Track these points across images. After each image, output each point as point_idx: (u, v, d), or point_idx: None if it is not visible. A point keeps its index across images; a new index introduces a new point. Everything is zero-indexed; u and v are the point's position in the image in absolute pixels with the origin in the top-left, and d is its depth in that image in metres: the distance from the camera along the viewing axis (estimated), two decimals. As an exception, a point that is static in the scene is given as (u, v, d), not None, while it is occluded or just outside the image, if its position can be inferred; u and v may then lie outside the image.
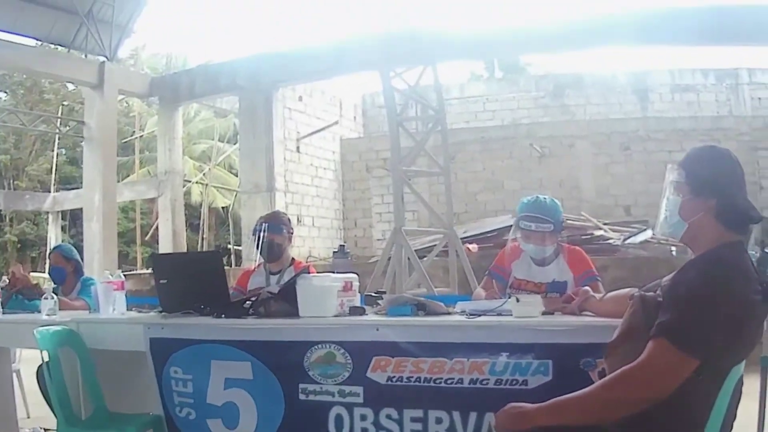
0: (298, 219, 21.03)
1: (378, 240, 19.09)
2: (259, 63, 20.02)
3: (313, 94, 22.89)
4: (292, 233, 7.28)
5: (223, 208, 29.21)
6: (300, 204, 21.50)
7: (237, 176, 26.86)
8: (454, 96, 25.43)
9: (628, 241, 16.68)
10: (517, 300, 4.71)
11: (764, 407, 6.11)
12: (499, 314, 4.75)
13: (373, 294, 5.66)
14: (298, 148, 21.64)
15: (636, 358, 3.09)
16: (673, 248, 15.01)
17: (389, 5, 14.40)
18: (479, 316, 4.75)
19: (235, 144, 24.80)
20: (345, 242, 22.81)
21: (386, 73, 14.05)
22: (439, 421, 4.51)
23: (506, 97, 25.46)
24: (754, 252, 6.14)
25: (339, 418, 4.72)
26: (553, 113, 24.84)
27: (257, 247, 7.13)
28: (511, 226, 6.27)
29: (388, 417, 4.62)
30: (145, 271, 23.82)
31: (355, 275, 5.32)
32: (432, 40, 14.56)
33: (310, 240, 21.57)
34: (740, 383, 3.32)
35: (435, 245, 14.79)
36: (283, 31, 76.14)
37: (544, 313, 4.75)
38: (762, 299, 3.20)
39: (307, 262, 14.65)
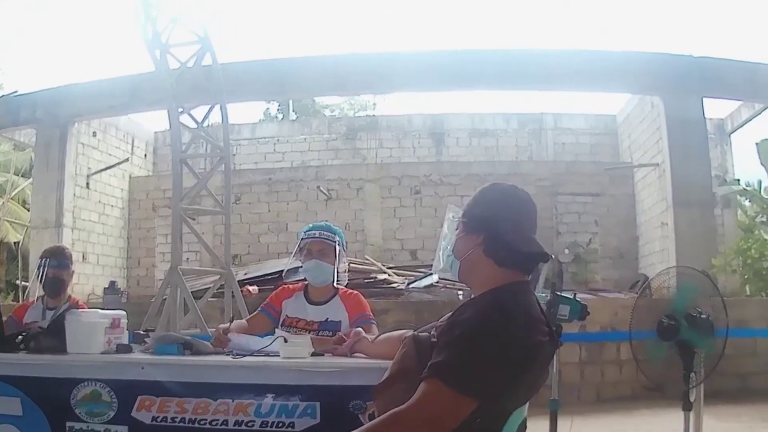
0: (83, 256, 20.47)
1: (160, 280, 18.85)
2: (58, 96, 19.54)
3: (107, 129, 22.43)
4: (73, 270, 7.23)
5: (15, 243, 28.39)
6: (86, 241, 20.98)
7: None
8: (245, 136, 25.34)
9: (413, 285, 16.68)
10: (285, 340, 4.70)
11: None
12: (267, 355, 4.73)
13: (142, 332, 5.59)
14: (87, 184, 21.19)
15: (407, 400, 2.90)
16: (460, 292, 14.91)
17: (185, 43, 14.21)
18: (245, 356, 4.72)
19: (30, 178, 24.19)
20: (127, 281, 22.64)
21: (174, 109, 13.97)
22: (203, 463, 4.41)
23: (297, 139, 25.34)
24: (544, 294, 6.31)
25: (105, 458, 4.56)
26: (344, 156, 24.84)
27: (40, 281, 7.04)
28: (291, 270, 6.29)
29: (154, 458, 4.45)
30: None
31: (123, 312, 5.22)
32: (224, 79, 14.48)
33: (94, 278, 21.01)
34: (524, 426, 3.26)
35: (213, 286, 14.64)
36: (84, 64, 74.69)
37: (313, 354, 4.71)
38: (549, 341, 3.15)
39: (88, 299, 14.37)
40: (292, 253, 6.04)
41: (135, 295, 21.15)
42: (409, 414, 2.88)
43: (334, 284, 5.88)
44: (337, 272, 5.92)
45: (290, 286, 6.11)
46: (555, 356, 6.56)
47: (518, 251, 3.26)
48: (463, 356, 2.91)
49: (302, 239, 5.96)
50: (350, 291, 6.07)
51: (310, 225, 6.09)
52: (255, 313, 6.10)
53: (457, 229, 3.46)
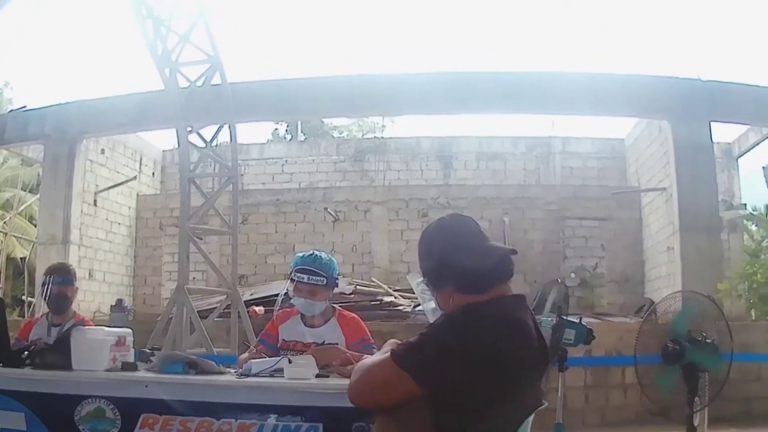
0: (89, 273, 20.49)
1: (166, 298, 18.77)
2: (67, 112, 19.46)
3: (115, 147, 22.39)
4: (77, 287, 7.23)
5: (21, 258, 28.32)
6: (93, 258, 20.96)
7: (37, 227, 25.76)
8: (254, 157, 25.26)
9: (419, 308, 16.48)
10: (290, 361, 4.73)
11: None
12: (272, 375, 4.74)
13: (147, 350, 5.61)
14: (95, 201, 21.17)
15: (403, 419, 3.21)
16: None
17: (195, 62, 14.28)
18: (249, 376, 4.74)
19: (38, 194, 24.20)
20: (134, 299, 22.54)
21: (183, 128, 14.01)
22: (206, 483, 4.36)
23: (305, 160, 25.27)
24: (550, 318, 6.32)
25: (108, 475, 4.53)
26: (351, 178, 24.78)
27: (45, 299, 7.04)
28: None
29: (156, 477, 4.41)
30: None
31: (129, 330, 5.25)
32: (233, 98, 14.51)
33: (100, 295, 20.95)
34: None
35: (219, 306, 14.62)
36: (94, 81, 74.85)
37: (318, 376, 4.75)
38: (535, 356, 3.36)
39: (94, 317, 14.33)
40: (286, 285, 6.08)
41: (141, 313, 21.09)
42: (371, 371, 3.35)
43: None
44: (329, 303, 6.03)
45: (287, 309, 6.20)
46: (560, 381, 6.58)
47: (487, 272, 3.40)
48: (417, 344, 3.23)
49: (293, 276, 5.96)
50: (348, 314, 6.14)
51: (301, 258, 6.05)
52: (255, 345, 6.19)
53: (429, 289, 3.60)
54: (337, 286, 6.16)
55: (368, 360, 3.54)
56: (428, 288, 3.58)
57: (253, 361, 5.19)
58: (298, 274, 5.87)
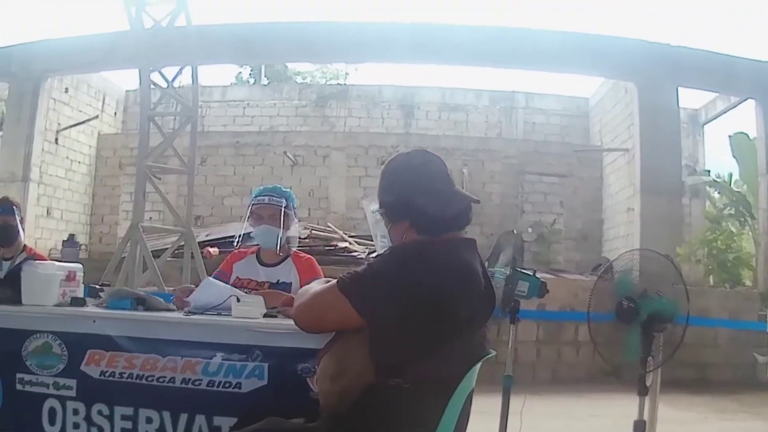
0: (48, 211, 20.49)
1: (122, 237, 18.79)
2: (33, 51, 19.26)
3: (79, 86, 22.29)
4: (22, 218, 7.19)
5: (-18, 197, 28.09)
6: (52, 196, 20.91)
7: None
8: (216, 99, 25.18)
9: (373, 254, 16.45)
10: (238, 299, 4.68)
11: (505, 426, 6.30)
12: (219, 313, 4.70)
13: (97, 286, 5.56)
14: (56, 139, 21.12)
15: (343, 357, 3.34)
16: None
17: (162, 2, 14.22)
18: (197, 314, 4.70)
19: (1, 131, 24.08)
20: (90, 237, 22.58)
21: (146, 67, 13.97)
22: (149, 420, 4.37)
23: (267, 103, 25.22)
24: (503, 269, 6.29)
25: (52, 411, 4.54)
26: (312, 123, 24.74)
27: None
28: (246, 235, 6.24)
29: (100, 413, 4.44)
30: None
31: (79, 265, 5.20)
32: (197, 40, 14.45)
33: (57, 233, 20.85)
34: (470, 398, 3.48)
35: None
36: (60, 20, 73.99)
37: (266, 315, 4.69)
38: (480, 299, 3.42)
39: (50, 254, 14.30)
40: (243, 218, 6.02)
41: (97, 252, 21.09)
42: (316, 295, 3.55)
43: (277, 251, 5.89)
44: (288, 236, 5.92)
45: (242, 250, 6.12)
46: (511, 333, 6.57)
47: (446, 218, 3.47)
48: (357, 271, 3.38)
49: (252, 204, 5.95)
50: (304, 255, 6.07)
51: (260, 189, 6.08)
52: None
53: (382, 219, 3.70)
54: (296, 218, 6.15)
55: (312, 286, 3.74)
56: (383, 219, 3.64)
57: (195, 295, 5.09)
58: (259, 197, 5.92)
